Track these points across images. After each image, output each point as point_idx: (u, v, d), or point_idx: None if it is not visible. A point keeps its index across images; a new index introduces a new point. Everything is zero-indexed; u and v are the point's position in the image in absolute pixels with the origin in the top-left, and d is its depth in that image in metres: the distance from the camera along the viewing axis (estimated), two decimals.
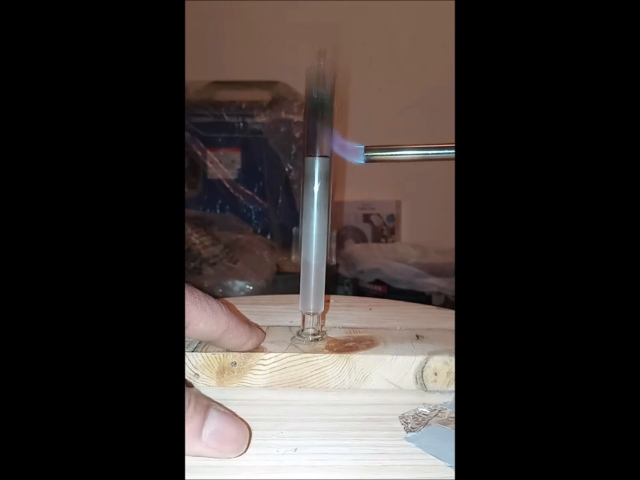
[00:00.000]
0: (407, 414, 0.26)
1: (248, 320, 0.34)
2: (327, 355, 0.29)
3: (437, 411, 0.27)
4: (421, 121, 1.28)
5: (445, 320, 0.39)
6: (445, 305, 1.05)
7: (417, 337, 0.32)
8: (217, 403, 0.24)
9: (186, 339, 0.29)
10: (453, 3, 0.22)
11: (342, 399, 0.28)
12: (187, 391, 0.22)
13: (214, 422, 0.22)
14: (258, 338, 0.30)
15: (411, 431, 0.25)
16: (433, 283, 1.09)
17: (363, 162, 0.31)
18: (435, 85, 1.24)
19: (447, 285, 1.08)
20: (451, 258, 1.12)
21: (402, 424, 0.25)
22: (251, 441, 0.23)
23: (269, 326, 0.33)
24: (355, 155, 0.30)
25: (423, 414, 0.26)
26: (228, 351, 0.29)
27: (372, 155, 0.31)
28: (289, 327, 0.33)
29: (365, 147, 0.30)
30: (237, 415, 0.24)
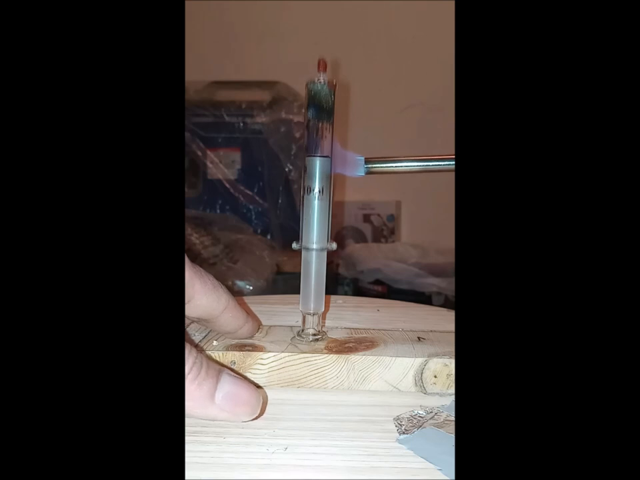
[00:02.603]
0: (402, 416, 0.26)
1: (247, 307, 0.34)
2: (326, 355, 0.29)
3: (433, 414, 0.27)
4: (421, 121, 1.28)
5: (453, 322, 0.38)
6: (445, 305, 1.05)
7: (419, 338, 0.32)
8: (228, 367, 0.24)
9: (188, 319, 0.29)
10: (453, 3, 0.22)
11: (339, 400, 0.28)
12: (199, 356, 0.23)
13: (226, 385, 0.23)
14: (254, 324, 0.30)
15: (404, 433, 0.25)
16: (432, 283, 1.09)
17: (362, 174, 0.31)
18: (435, 85, 1.24)
19: (447, 285, 1.08)
20: (450, 258, 1.12)
21: (396, 426, 0.25)
22: (243, 439, 0.23)
23: (270, 325, 0.33)
24: (354, 166, 0.31)
25: (419, 416, 0.26)
26: (227, 347, 0.29)
27: (372, 167, 0.31)
28: (291, 327, 0.33)
29: (365, 158, 0.31)
30: (249, 379, 0.24)
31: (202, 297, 0.27)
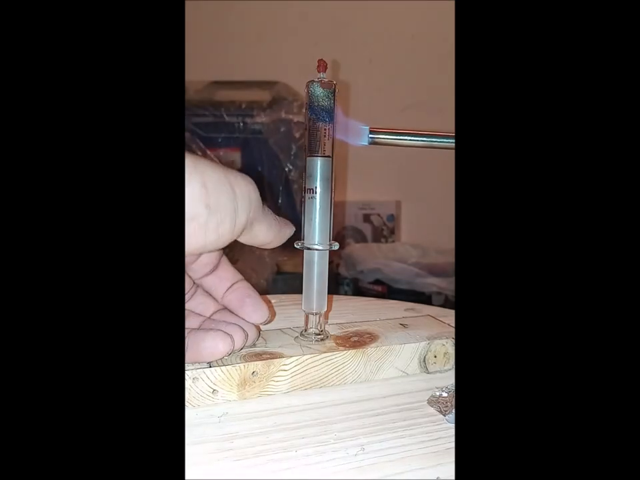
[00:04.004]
0: (430, 399, 0.28)
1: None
2: (345, 351, 0.30)
3: (453, 392, 0.28)
4: (420, 121, 1.28)
5: (391, 309, 0.43)
6: (445, 305, 1.05)
7: (403, 325, 0.34)
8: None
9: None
10: (453, 2, 0.22)
11: (363, 394, 0.29)
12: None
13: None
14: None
15: (445, 413, 0.26)
16: (432, 283, 1.09)
17: (366, 143, 0.31)
18: (434, 85, 1.24)
19: (447, 285, 1.08)
20: (450, 258, 1.12)
21: (435, 409, 0.27)
22: (313, 449, 0.23)
23: (262, 331, 0.33)
24: (359, 135, 0.30)
25: (443, 397, 0.28)
26: (245, 357, 0.28)
27: (376, 137, 0.31)
28: (281, 329, 0.33)
29: (370, 128, 0.31)
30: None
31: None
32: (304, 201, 0.30)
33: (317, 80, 0.29)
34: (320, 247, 0.30)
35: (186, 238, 0.24)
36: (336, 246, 0.31)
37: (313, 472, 0.22)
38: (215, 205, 0.24)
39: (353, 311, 0.43)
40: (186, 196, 0.23)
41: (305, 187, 0.30)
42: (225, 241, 0.26)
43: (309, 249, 0.30)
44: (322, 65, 0.29)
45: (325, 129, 0.29)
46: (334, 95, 0.29)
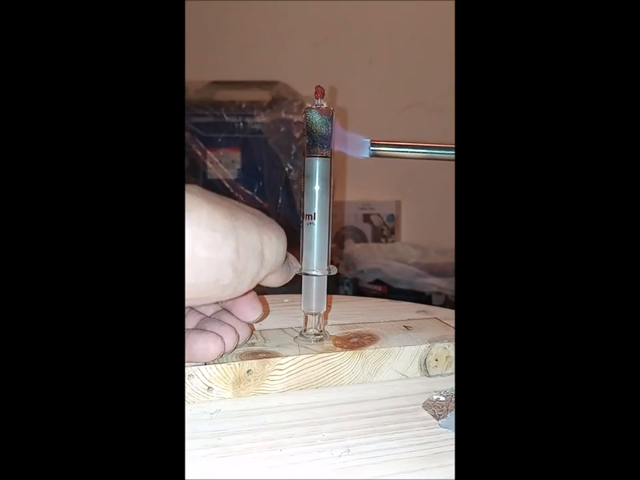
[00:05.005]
0: (426, 403, 0.28)
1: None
2: (342, 352, 0.29)
3: (450, 396, 0.28)
4: (420, 121, 1.28)
5: (400, 311, 0.42)
6: (445, 305, 1.05)
7: (406, 327, 0.34)
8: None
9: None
10: (453, 3, 0.22)
11: (359, 396, 0.29)
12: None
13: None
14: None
15: (439, 417, 0.26)
16: (432, 283, 1.09)
17: (368, 156, 0.31)
18: (435, 85, 1.24)
19: (447, 285, 1.08)
20: (450, 258, 1.12)
21: (430, 413, 0.27)
22: (300, 448, 0.23)
23: (261, 330, 0.33)
24: (360, 148, 0.31)
25: (439, 401, 0.28)
26: (241, 356, 0.28)
27: (378, 150, 0.31)
28: (282, 329, 0.33)
29: (371, 141, 0.31)
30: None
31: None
32: (302, 227, 0.30)
33: (314, 107, 0.29)
34: (317, 273, 0.31)
35: (204, 293, 0.25)
36: (334, 271, 0.31)
37: (295, 471, 0.22)
38: (241, 269, 0.25)
39: (363, 312, 0.42)
40: (218, 259, 0.24)
41: (303, 212, 0.30)
42: (240, 293, 0.27)
43: (306, 274, 0.31)
44: (319, 92, 0.29)
45: (323, 154, 0.30)
46: (332, 122, 0.29)
